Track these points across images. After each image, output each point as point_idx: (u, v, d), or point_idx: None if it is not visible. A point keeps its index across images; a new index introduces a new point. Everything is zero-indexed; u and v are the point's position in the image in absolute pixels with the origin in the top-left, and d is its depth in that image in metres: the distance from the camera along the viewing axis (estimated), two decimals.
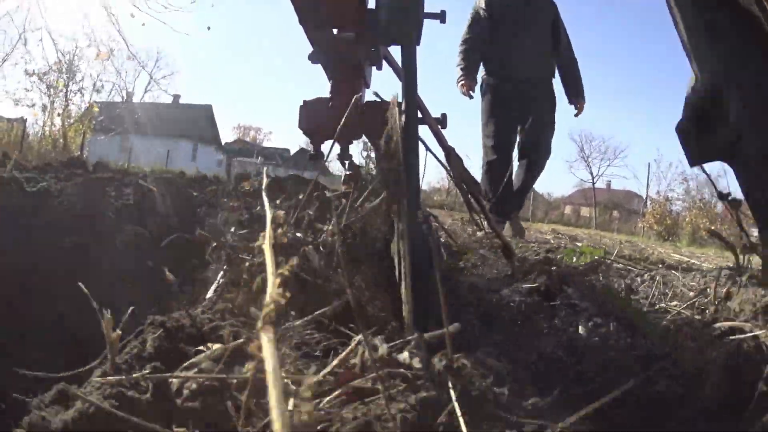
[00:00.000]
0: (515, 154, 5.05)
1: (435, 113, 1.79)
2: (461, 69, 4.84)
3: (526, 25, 4.75)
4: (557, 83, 5.03)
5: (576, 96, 4.97)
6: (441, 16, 1.41)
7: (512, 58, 4.76)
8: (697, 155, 1.39)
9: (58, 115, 18.91)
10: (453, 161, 2.05)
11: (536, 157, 4.93)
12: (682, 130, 1.37)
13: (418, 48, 1.33)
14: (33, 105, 19.30)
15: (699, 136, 1.33)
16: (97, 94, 21.82)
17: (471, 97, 4.87)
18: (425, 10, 1.32)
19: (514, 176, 4.99)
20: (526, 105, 4.78)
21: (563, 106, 5.04)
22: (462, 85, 4.81)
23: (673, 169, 26.75)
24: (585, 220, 20.44)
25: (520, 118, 4.87)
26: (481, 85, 5.02)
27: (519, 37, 4.73)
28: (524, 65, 4.75)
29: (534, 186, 5.52)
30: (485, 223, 2.48)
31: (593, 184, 31.13)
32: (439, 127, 1.77)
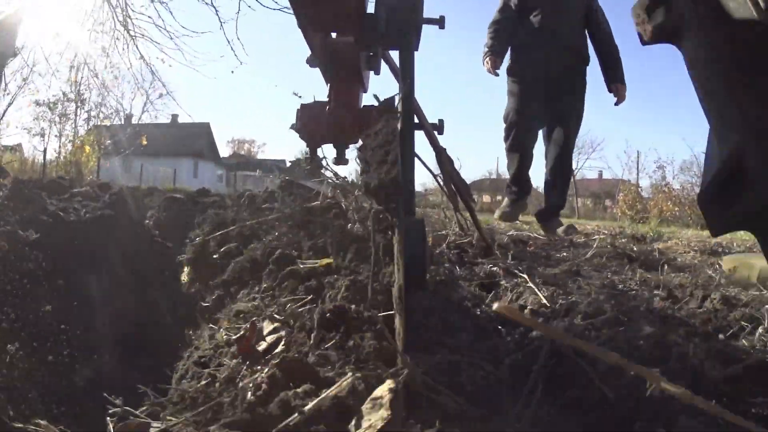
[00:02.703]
0: (538, 146, 4.70)
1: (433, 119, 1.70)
2: (488, 47, 4.50)
3: (558, 9, 4.39)
4: (590, 70, 4.61)
5: (615, 81, 4.48)
6: (440, 22, 1.32)
7: (542, 45, 4.38)
8: (720, 226, 1.21)
9: (70, 141, 18.72)
10: (443, 161, 1.97)
11: (565, 149, 4.57)
12: (703, 200, 1.17)
13: (416, 53, 1.26)
14: (41, 134, 19.13)
15: (721, 205, 1.15)
16: (105, 120, 21.65)
17: (497, 74, 4.51)
18: (424, 16, 1.24)
19: (548, 171, 4.62)
20: (556, 93, 4.40)
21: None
22: (487, 61, 4.47)
23: (643, 157, 26.77)
24: (578, 210, 20.36)
25: (548, 101, 4.46)
26: (508, 70, 4.64)
27: (550, 22, 4.37)
28: (555, 52, 4.36)
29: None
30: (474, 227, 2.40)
31: (574, 176, 30.96)
32: (435, 132, 1.69)
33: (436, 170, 1.92)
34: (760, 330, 1.30)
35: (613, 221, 11.12)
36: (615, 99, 4.53)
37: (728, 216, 1.12)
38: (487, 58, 4.48)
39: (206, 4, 7.34)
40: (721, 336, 1.26)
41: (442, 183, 1.71)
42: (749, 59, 1.15)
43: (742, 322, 1.35)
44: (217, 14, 7.37)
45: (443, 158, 1.94)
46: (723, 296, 1.61)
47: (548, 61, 4.38)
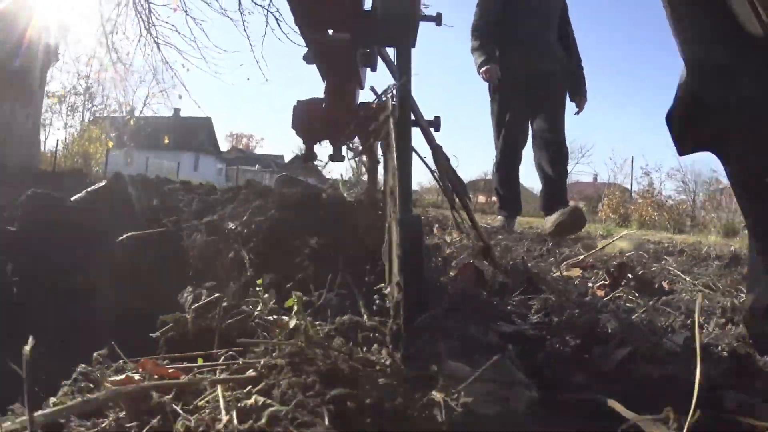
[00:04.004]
0: (531, 143, 4.41)
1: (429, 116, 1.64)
2: (481, 55, 4.25)
3: (538, 13, 4.22)
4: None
5: (579, 94, 4.40)
6: (436, 19, 1.27)
7: (524, 49, 4.20)
8: (684, 146, 1.20)
9: (78, 133, 18.56)
10: (439, 159, 1.92)
11: (560, 149, 4.34)
12: (671, 120, 1.18)
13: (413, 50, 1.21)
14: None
15: (687, 126, 1.16)
16: (124, 112, 21.49)
17: (496, 82, 4.28)
18: (421, 13, 1.19)
19: (545, 170, 4.34)
20: (538, 98, 4.23)
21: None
22: (485, 71, 4.24)
23: (628, 164, 26.76)
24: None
25: (532, 111, 4.30)
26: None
27: (531, 26, 4.19)
28: (536, 56, 4.19)
29: (522, 182, 4.83)
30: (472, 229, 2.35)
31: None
32: (432, 129, 1.63)
33: (433, 167, 1.87)
34: (551, 259, 2.05)
35: (599, 224, 11.12)
36: (576, 110, 4.46)
37: (693, 136, 1.13)
38: (483, 68, 4.25)
39: (234, 23, 7.68)
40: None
41: (438, 180, 1.65)
42: None
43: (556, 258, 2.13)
44: (248, 39, 8.04)
45: (439, 155, 1.89)
46: (548, 249, 2.48)
47: (533, 66, 4.20)
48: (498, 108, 4.39)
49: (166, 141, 16.50)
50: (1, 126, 6.34)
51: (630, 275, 1.58)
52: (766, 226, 1.12)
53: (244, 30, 7.78)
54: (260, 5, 7.33)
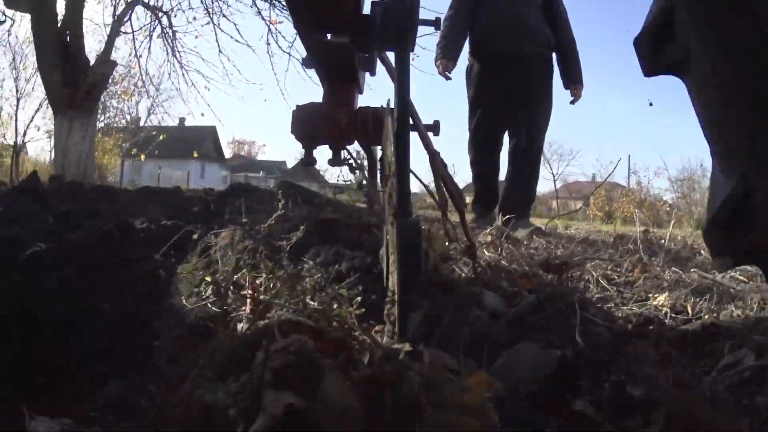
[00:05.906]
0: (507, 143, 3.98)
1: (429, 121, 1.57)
2: (440, 47, 3.80)
3: None
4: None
5: (574, 81, 3.84)
6: (435, 24, 1.20)
7: (499, 31, 3.72)
8: (651, 67, 1.18)
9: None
10: (436, 165, 1.85)
11: (528, 154, 3.91)
12: (639, 42, 1.16)
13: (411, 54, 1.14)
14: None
15: (654, 48, 1.14)
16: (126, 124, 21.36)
17: (448, 78, 3.84)
18: (420, 17, 1.13)
19: (510, 172, 3.97)
20: (517, 88, 3.74)
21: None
22: (439, 64, 3.78)
23: (614, 164, 26.88)
24: (558, 210, 19.92)
25: (511, 103, 3.80)
26: (467, 69, 3.96)
27: (507, 6, 3.73)
28: (513, 37, 3.69)
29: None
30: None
31: (554, 182, 30.03)
32: (431, 134, 1.56)
33: (429, 173, 1.80)
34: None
35: (585, 221, 11.10)
36: (572, 98, 3.90)
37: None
38: (439, 62, 3.80)
39: (262, 61, 8.27)
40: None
41: (430, 192, 1.58)
42: (757, 90, 1.06)
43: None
44: (275, 74, 8.67)
45: (437, 162, 1.82)
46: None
47: (509, 48, 3.73)
48: (472, 100, 3.93)
49: (195, 155, 16.51)
50: (60, 143, 6.49)
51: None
52: (721, 136, 1.06)
53: (272, 68, 9.41)
54: (285, 52, 7.83)
